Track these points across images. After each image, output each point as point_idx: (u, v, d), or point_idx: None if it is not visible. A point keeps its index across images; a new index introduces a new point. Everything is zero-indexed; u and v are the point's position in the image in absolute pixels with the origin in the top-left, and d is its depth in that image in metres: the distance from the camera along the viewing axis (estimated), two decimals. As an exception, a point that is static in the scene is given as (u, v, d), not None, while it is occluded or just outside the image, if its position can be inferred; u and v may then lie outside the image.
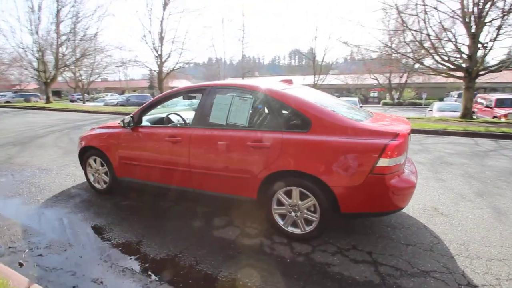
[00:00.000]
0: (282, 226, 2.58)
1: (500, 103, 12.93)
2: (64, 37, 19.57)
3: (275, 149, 2.44)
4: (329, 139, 2.29)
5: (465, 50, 10.97)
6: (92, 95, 40.54)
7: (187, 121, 3.96)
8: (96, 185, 3.70)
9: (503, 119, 11.60)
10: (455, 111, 13.02)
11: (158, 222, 2.94)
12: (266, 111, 2.65)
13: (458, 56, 11.40)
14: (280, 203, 2.56)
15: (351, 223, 2.85)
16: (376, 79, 32.21)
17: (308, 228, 2.48)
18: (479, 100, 14.64)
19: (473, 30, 10.70)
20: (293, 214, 2.52)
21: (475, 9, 10.66)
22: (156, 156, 3.08)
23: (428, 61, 12.18)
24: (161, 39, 17.99)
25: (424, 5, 10.91)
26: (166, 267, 2.21)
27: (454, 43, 11.26)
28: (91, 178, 3.73)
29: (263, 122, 2.64)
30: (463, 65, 11.10)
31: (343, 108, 2.74)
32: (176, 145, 2.91)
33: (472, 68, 10.75)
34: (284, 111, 2.55)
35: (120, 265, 2.22)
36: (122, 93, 42.39)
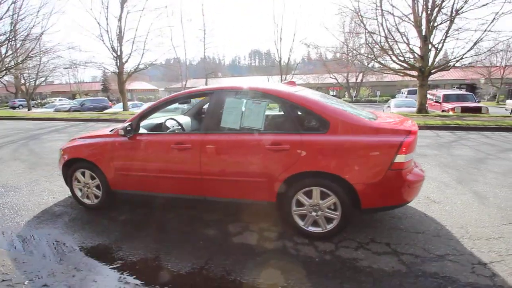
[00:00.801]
0: (303, 227, 2.60)
1: (447, 99, 14.52)
2: (3, 37, 17.33)
3: (295, 151, 2.46)
4: (349, 139, 2.37)
5: (418, 51, 12.09)
6: (37, 101, 36.52)
7: (183, 126, 3.80)
8: (86, 200, 3.36)
9: (451, 113, 13.04)
10: (410, 107, 14.30)
11: (168, 234, 2.78)
12: (282, 113, 2.65)
13: (412, 56, 12.53)
14: (300, 204, 2.59)
15: (361, 218, 2.98)
16: (335, 78, 34.00)
17: (329, 226, 2.54)
18: (428, 96, 16.31)
19: (423, 33, 11.83)
20: (313, 213, 2.56)
21: (424, 14, 11.81)
22: (160, 165, 2.90)
23: (387, 61, 13.18)
24: (120, 39, 16.87)
25: (382, 10, 11.79)
26: (197, 281, 2.10)
27: (408, 44, 12.35)
28: (79, 194, 3.38)
29: (280, 125, 2.65)
30: (417, 64, 12.23)
31: (350, 109, 2.85)
32: (184, 152, 2.77)
33: (424, 68, 11.90)
34: (301, 113, 2.57)
35: (145, 286, 2.05)
36: (73, 97, 38.92)
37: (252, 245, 2.56)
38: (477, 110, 13.02)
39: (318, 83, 36.84)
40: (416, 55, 12.22)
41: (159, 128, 3.45)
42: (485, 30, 10.57)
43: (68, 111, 21.27)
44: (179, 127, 3.61)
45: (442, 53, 11.73)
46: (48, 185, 4.24)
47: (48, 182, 4.37)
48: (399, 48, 12.34)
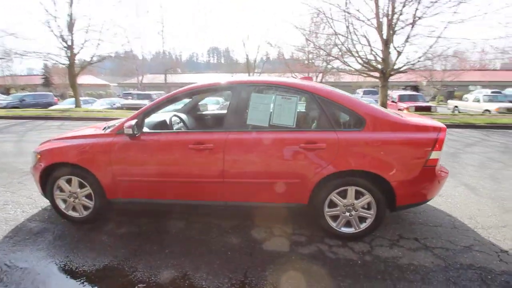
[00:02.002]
0: (335, 228, 2.50)
1: (402, 99, 15.91)
2: None
3: (331, 150, 2.33)
4: (388, 136, 2.33)
5: (380, 53, 12.92)
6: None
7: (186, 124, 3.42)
8: (72, 213, 2.82)
9: (405, 111, 14.26)
10: None
11: (185, 246, 2.45)
12: (315, 110, 2.49)
13: (373, 59, 13.35)
14: (332, 205, 2.48)
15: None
16: (297, 78, 34.94)
17: (363, 226, 2.48)
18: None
19: (385, 37, 12.68)
20: (347, 214, 2.47)
21: (385, 20, 12.65)
22: (173, 169, 2.54)
23: (352, 62, 13.85)
24: (71, 26, 14.97)
25: (347, 13, 12.35)
26: (245, 299, 1.85)
27: (370, 47, 13.13)
28: (62, 205, 2.82)
29: (313, 122, 2.49)
30: (379, 66, 13.08)
31: (377, 106, 2.82)
32: (204, 153, 2.46)
33: (386, 70, 12.77)
34: (335, 110, 2.45)
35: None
36: (7, 92, 33.82)
37: (285, 252, 2.37)
38: (428, 109, 14.51)
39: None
40: (378, 58, 13.05)
41: (163, 126, 3.04)
42: (438, 37, 11.72)
43: (5, 107, 18.35)
44: (181, 124, 3.25)
45: (402, 56, 12.63)
46: (11, 196, 3.50)
47: (10, 192, 3.61)
48: (363, 50, 13.03)
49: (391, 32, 12.34)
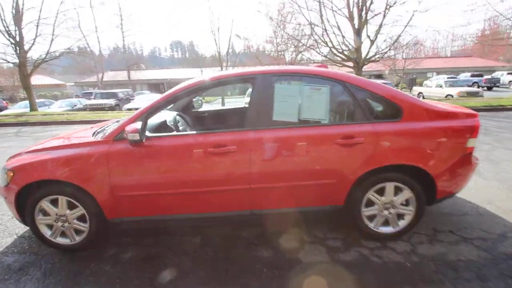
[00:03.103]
0: (373, 228, 2.31)
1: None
2: None
3: (370, 144, 2.11)
4: (428, 125, 2.16)
5: (353, 43, 13.14)
6: None
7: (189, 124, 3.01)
8: (61, 240, 2.32)
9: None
10: None
11: (211, 268, 2.10)
12: (347, 101, 2.24)
13: (347, 48, 13.56)
14: (370, 204, 2.28)
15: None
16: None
17: (401, 224, 2.32)
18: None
19: (357, 27, 12.89)
20: (385, 212, 2.29)
21: (356, 10, 12.85)
22: (190, 177, 2.16)
23: (328, 53, 13.95)
24: (18, 20, 13.16)
25: (322, 2, 12.34)
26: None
27: (342, 36, 13.29)
28: (47, 232, 2.31)
29: (347, 115, 2.24)
30: (352, 56, 13.31)
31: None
32: (226, 156, 2.11)
33: (359, 59, 13.03)
34: (369, 100, 2.23)
35: None
36: None
37: (326, 260, 2.13)
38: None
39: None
40: (351, 48, 13.26)
41: (165, 128, 2.60)
42: (405, 26, 12.19)
43: None
44: (184, 125, 2.83)
45: (374, 45, 12.95)
46: (-29, 224, 2.85)
47: (-31, 219, 2.94)
48: (337, 40, 13.16)
49: (362, 21, 12.58)
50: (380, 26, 12.11)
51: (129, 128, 2.03)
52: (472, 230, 2.47)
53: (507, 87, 24.76)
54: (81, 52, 22.89)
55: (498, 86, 25.00)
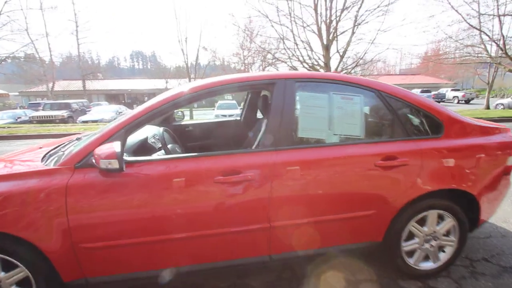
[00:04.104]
0: (413, 265, 1.94)
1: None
2: None
3: (414, 166, 1.75)
4: (471, 142, 1.87)
5: (322, 58, 13.43)
6: None
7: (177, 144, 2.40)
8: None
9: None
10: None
11: None
12: (384, 113, 1.86)
13: (316, 63, 13.83)
14: (410, 237, 1.90)
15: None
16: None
17: (442, 258, 1.98)
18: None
19: (325, 43, 13.24)
20: (426, 245, 1.92)
21: (324, 26, 13.23)
22: (190, 217, 1.57)
23: (298, 67, 14.06)
24: None
25: (292, 17, 12.48)
26: None
27: (312, 51, 13.55)
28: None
29: (385, 130, 1.86)
30: (321, 70, 13.56)
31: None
32: (240, 186, 1.58)
33: (329, 73, 13.32)
34: (408, 113, 1.88)
35: None
36: None
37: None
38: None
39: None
40: (321, 62, 13.54)
41: (147, 148, 1.98)
42: (371, 43, 12.77)
43: None
44: (173, 144, 2.23)
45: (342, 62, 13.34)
46: None
47: None
48: (307, 55, 13.34)
49: (330, 38, 12.95)
50: (348, 43, 12.52)
51: (101, 151, 1.40)
52: (505, 256, 2.23)
53: (451, 102, 27.52)
54: (28, 59, 20.49)
55: (443, 101, 27.64)
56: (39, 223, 1.44)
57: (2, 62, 13.21)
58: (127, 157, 1.58)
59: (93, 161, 1.46)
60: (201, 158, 1.60)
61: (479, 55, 16.46)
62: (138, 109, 1.66)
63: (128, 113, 1.65)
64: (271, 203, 1.62)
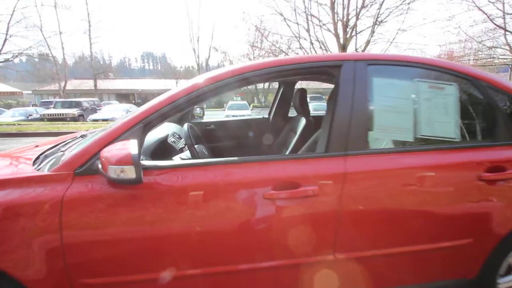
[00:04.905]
0: (510, 309, 1.45)
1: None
2: None
3: (525, 179, 1.28)
4: None
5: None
6: None
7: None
8: None
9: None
10: (244, 109, 15.51)
11: None
12: (486, 109, 1.41)
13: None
14: (509, 271, 1.43)
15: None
16: (244, 84, 34.36)
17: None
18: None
19: (342, 42, 12.75)
20: (527, 282, 1.44)
21: (340, 25, 12.75)
22: (231, 244, 1.15)
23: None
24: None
25: (309, 15, 12.08)
26: None
27: (327, 51, 13.08)
28: None
29: (486, 131, 1.40)
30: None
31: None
32: (298, 205, 1.14)
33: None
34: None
35: None
36: None
37: None
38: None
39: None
40: (337, 62, 13.06)
41: (168, 149, 1.57)
42: (391, 42, 12.24)
43: None
44: (200, 144, 1.80)
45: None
46: None
47: None
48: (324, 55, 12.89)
49: (347, 37, 12.45)
50: (367, 43, 12.02)
51: (110, 152, 0.99)
52: None
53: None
54: (41, 57, 20.59)
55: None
56: (23, 251, 1.04)
57: (15, 59, 13.17)
58: (145, 162, 1.17)
59: (99, 166, 1.05)
60: (244, 164, 1.17)
61: (503, 57, 15.65)
62: (161, 97, 1.24)
63: (148, 104, 1.24)
64: (338, 227, 1.18)
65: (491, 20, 13.22)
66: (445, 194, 1.26)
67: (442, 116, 1.31)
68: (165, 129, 1.85)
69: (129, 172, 0.96)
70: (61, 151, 1.42)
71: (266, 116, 2.88)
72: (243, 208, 1.13)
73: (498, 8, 13.47)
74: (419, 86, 1.33)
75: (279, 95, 2.72)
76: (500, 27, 13.53)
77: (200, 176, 1.14)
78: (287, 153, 2.11)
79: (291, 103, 2.62)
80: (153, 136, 1.62)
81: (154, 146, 1.53)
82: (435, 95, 1.32)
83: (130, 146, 0.99)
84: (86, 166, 1.11)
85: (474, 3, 13.32)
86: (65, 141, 1.73)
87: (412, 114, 1.30)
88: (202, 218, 1.11)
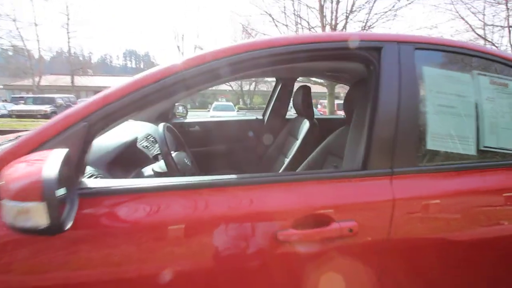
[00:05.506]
0: None
1: (339, 107, 16.57)
2: None
3: None
4: None
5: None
6: None
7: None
8: None
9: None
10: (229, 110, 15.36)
11: None
12: None
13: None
14: None
15: None
16: (230, 85, 33.89)
17: None
18: (319, 106, 18.85)
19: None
20: None
21: (328, 28, 12.68)
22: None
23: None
24: None
25: (300, 17, 11.98)
26: None
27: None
28: None
29: None
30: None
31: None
32: (325, 251, 0.76)
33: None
34: None
35: None
36: None
37: None
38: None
39: (212, 88, 35.90)
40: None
41: (137, 157, 1.15)
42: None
43: None
44: (183, 153, 1.38)
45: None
46: None
47: None
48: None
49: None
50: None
51: (14, 173, 0.56)
52: None
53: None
54: (13, 49, 19.22)
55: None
56: None
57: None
58: (91, 181, 0.75)
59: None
60: (246, 187, 0.77)
61: (482, 67, 16.15)
62: (120, 84, 0.83)
63: (100, 94, 0.82)
64: (382, 273, 0.82)
65: (473, 29, 13.60)
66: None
67: (510, 121, 0.99)
68: (135, 130, 1.42)
69: (36, 215, 0.54)
70: None
71: (260, 117, 2.51)
72: (246, 259, 0.73)
73: (479, 19, 13.90)
74: (480, 80, 0.99)
75: (276, 93, 2.36)
76: (481, 37, 13.96)
77: (176, 205, 0.73)
78: (286, 160, 1.75)
79: (290, 103, 2.28)
80: (115, 138, 1.19)
81: (116, 153, 1.09)
82: (498, 93, 1.00)
83: (47, 164, 0.57)
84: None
85: (458, 13, 13.69)
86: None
87: (474, 118, 0.96)
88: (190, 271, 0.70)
